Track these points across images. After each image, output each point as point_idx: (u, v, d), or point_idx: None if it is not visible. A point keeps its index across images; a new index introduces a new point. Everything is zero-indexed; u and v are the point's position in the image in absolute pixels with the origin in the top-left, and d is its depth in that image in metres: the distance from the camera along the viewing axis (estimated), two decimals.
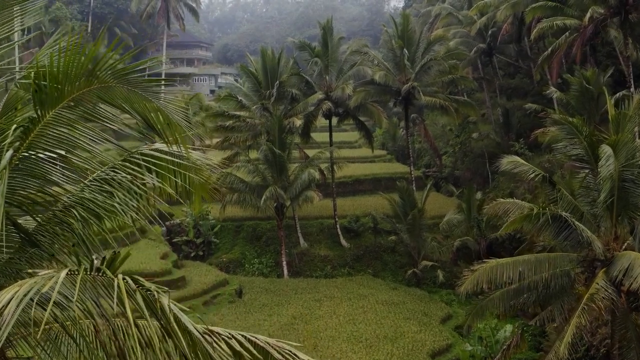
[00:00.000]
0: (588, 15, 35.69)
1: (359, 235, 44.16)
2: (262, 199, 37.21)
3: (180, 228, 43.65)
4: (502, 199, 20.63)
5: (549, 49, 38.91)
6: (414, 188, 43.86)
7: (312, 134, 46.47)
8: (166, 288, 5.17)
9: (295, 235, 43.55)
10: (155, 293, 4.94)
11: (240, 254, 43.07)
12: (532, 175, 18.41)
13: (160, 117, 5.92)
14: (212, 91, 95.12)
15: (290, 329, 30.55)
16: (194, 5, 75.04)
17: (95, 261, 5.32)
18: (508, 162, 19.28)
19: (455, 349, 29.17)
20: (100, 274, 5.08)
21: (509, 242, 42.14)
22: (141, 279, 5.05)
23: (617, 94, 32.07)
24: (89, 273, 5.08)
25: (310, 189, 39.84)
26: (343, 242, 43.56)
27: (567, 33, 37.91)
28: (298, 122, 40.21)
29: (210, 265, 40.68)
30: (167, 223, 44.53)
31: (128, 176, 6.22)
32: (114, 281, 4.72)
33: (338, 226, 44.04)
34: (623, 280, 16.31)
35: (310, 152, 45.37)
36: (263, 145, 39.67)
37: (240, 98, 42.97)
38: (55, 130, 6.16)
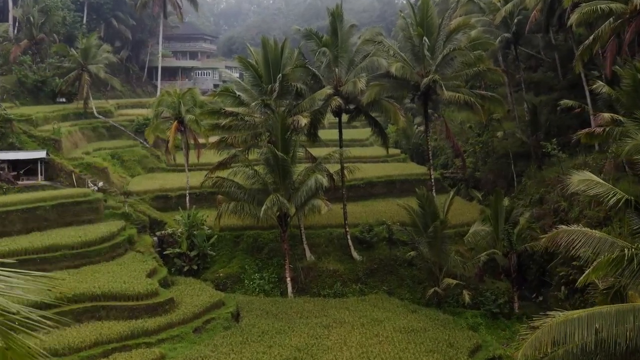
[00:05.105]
0: None
1: (372, 246, 39.48)
2: (263, 208, 32.61)
3: (172, 239, 39.06)
4: (563, 226, 15.90)
5: (591, 37, 34.13)
6: (434, 193, 39.12)
7: (319, 132, 41.75)
8: None
9: (301, 246, 38.95)
10: None
11: (239, 268, 38.44)
12: (613, 200, 13.72)
13: None
14: (215, 85, 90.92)
15: None
16: None
17: None
18: (579, 181, 14.56)
19: None
20: None
21: (540, 255, 37.87)
22: None
23: None
24: None
25: (318, 197, 35.07)
26: (354, 254, 38.90)
27: (611, 19, 33.28)
28: (304, 121, 35.29)
29: (204, 282, 36.02)
30: (159, 233, 40.07)
31: None
32: None
33: (349, 236, 39.35)
34: None
35: (317, 152, 40.71)
36: (264, 147, 35.02)
37: (238, 93, 38.22)
38: None
